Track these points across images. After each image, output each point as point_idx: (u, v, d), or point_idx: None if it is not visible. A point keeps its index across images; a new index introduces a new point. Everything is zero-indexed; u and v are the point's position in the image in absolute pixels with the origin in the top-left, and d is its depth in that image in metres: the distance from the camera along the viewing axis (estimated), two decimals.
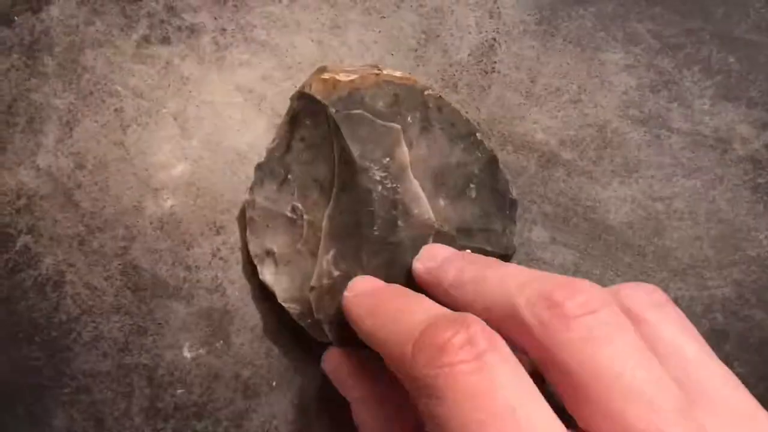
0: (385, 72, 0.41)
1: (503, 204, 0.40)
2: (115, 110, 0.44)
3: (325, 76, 0.40)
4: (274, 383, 0.41)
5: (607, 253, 0.42)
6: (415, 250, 0.38)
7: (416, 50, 0.45)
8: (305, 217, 0.40)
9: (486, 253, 0.39)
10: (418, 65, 0.45)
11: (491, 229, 0.40)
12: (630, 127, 0.44)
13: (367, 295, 0.34)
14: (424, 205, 0.39)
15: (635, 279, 0.42)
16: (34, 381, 0.40)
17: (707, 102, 0.44)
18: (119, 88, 0.44)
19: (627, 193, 0.43)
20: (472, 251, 0.39)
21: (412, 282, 0.37)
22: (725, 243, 0.42)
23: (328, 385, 0.41)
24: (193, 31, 0.45)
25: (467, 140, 0.40)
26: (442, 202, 0.40)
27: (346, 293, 0.36)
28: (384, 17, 0.46)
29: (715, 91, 0.44)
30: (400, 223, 0.39)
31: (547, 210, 0.43)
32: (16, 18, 0.45)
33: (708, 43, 0.45)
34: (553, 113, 0.44)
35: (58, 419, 0.40)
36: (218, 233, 0.42)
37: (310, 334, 0.39)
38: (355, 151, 0.39)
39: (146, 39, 0.45)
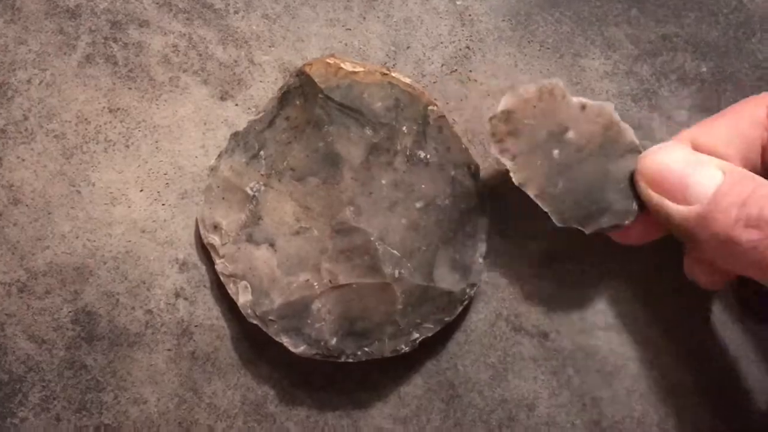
0: (393, 74, 0.38)
1: (464, 263, 0.37)
2: (55, 137, 0.39)
3: (330, 60, 0.38)
4: None
5: None
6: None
7: (385, 63, 0.42)
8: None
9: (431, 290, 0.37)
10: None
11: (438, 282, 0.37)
12: None
13: None
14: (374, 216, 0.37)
15: None
16: None
17: (684, 114, 0.43)
18: (60, 113, 0.39)
19: None
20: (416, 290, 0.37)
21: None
22: None
23: None
24: (141, 48, 0.41)
25: (459, 170, 0.38)
26: (402, 221, 0.37)
27: None
28: (349, 29, 0.43)
29: (691, 102, 0.43)
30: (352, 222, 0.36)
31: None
32: None
33: (682, 50, 0.44)
34: None
35: None
36: (181, 270, 0.38)
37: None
38: (340, 147, 0.37)
39: (88, 59, 0.40)
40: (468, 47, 0.43)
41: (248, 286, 0.36)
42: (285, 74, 0.42)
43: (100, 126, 0.39)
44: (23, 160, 0.38)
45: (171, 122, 0.40)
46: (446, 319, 0.37)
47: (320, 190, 0.37)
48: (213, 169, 0.38)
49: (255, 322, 0.36)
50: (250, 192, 0.37)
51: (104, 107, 0.39)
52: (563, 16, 0.43)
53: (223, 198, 0.37)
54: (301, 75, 0.38)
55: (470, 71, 0.43)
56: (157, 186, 0.39)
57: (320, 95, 0.37)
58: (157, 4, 0.41)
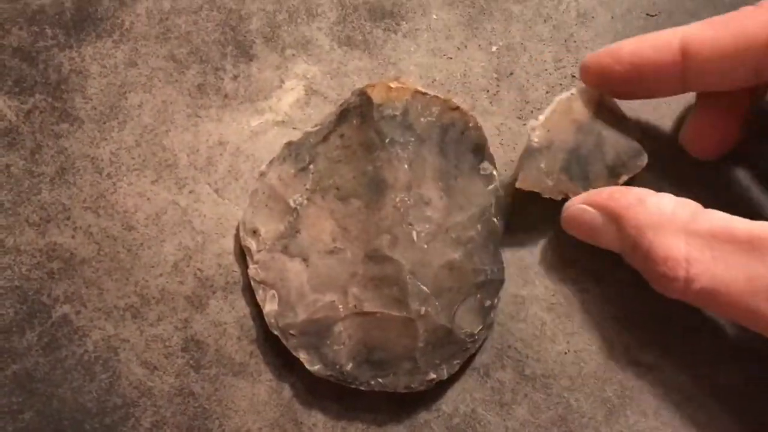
0: (461, 108, 0.38)
1: (485, 304, 0.37)
2: (168, 166, 0.40)
3: (393, 84, 0.38)
4: None
5: None
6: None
7: (488, 90, 0.42)
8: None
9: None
10: (491, 104, 0.42)
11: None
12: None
13: None
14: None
15: None
16: None
17: None
18: (172, 142, 0.40)
19: None
20: None
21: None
22: None
23: None
24: (250, 81, 0.41)
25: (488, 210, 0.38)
26: (438, 258, 0.36)
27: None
28: (450, 58, 0.43)
29: None
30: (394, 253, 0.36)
31: None
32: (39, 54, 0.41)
33: None
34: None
35: None
36: None
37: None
38: (387, 174, 0.37)
39: (199, 88, 0.41)
40: (574, 75, 0.42)
41: (276, 295, 0.36)
42: None
43: (211, 158, 0.40)
44: (137, 186, 0.40)
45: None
46: (461, 362, 0.36)
47: (361, 213, 0.37)
48: (262, 174, 0.38)
49: (276, 332, 0.36)
50: (292, 204, 0.37)
51: (216, 140, 0.40)
52: None
53: (266, 205, 0.38)
54: (362, 95, 0.38)
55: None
56: None
57: (376, 118, 0.37)
58: (265, 38, 0.42)
